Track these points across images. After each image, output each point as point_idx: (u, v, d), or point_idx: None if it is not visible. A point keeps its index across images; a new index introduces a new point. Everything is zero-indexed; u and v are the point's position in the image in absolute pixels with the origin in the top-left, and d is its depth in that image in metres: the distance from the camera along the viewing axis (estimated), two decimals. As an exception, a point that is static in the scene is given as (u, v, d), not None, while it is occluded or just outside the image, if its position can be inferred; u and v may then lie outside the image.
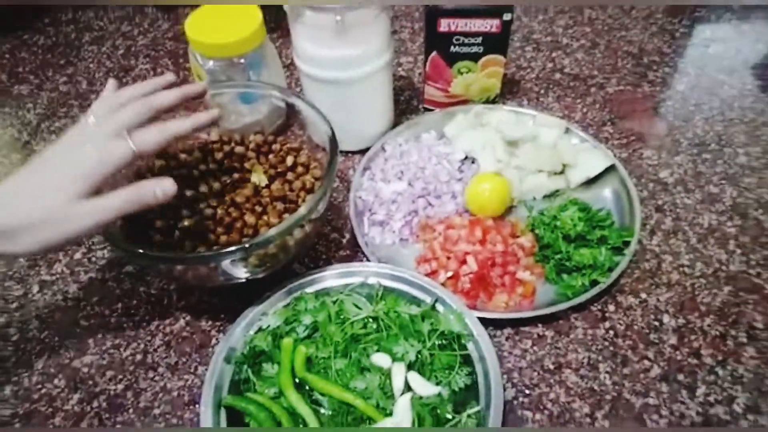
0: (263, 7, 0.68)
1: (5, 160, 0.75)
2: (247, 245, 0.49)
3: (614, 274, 0.58)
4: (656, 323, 0.57)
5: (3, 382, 0.55)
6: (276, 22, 0.70)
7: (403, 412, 0.49)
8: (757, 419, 0.51)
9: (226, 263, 0.52)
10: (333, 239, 0.65)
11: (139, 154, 0.47)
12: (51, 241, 0.46)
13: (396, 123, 0.75)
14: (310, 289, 0.58)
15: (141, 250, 0.49)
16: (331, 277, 0.59)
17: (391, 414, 0.49)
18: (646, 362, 0.55)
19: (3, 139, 0.78)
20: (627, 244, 0.61)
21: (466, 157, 0.71)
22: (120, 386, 0.54)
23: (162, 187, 0.48)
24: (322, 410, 0.50)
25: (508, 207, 0.66)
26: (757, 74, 0.82)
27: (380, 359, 0.52)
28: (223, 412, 0.50)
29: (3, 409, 0.53)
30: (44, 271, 0.63)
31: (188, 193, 0.59)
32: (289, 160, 0.62)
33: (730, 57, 0.85)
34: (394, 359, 0.52)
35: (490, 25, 0.69)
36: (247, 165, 0.62)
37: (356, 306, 0.56)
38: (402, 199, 0.66)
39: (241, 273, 0.55)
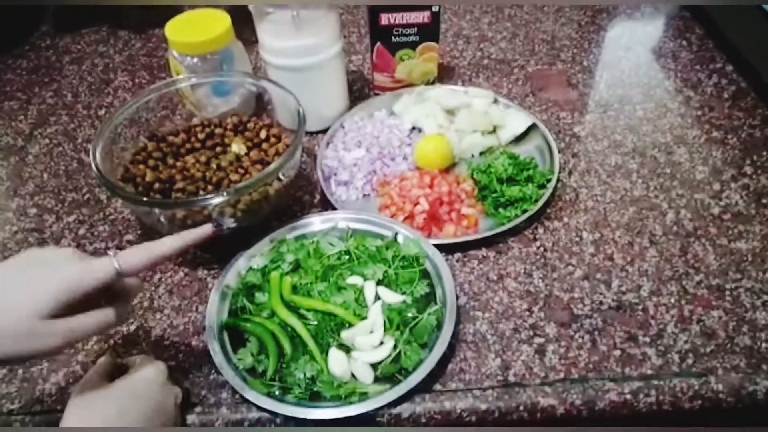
0: (232, 15, 0.79)
1: (4, 162, 0.84)
2: (234, 188, 0.60)
3: (540, 203, 0.71)
4: (577, 239, 0.70)
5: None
6: (242, 28, 0.82)
7: (375, 315, 0.59)
8: (659, 299, 0.63)
9: (216, 211, 0.62)
10: (306, 200, 0.76)
11: (121, 273, 0.46)
12: (12, 355, 0.43)
13: (351, 106, 0.87)
14: (290, 236, 0.69)
15: (146, 198, 0.59)
16: (307, 225, 0.69)
17: (365, 318, 0.59)
18: (570, 267, 0.67)
19: (-1, 146, 0.86)
20: (549, 181, 0.74)
21: (413, 128, 0.83)
22: (132, 327, 0.63)
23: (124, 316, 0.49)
24: (309, 322, 0.60)
25: (451, 164, 0.78)
26: (649, 50, 0.98)
27: (354, 280, 0.63)
28: (225, 335, 0.60)
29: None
30: (53, 246, 0.71)
31: (178, 164, 0.70)
32: (263, 133, 0.73)
33: (626, 38, 1.01)
34: (366, 279, 0.63)
35: (423, 16, 0.82)
36: (227, 141, 0.73)
37: (330, 244, 0.67)
38: (362, 162, 0.77)
39: (230, 222, 0.65)
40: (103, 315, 0.47)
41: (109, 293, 0.49)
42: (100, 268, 0.46)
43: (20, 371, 0.59)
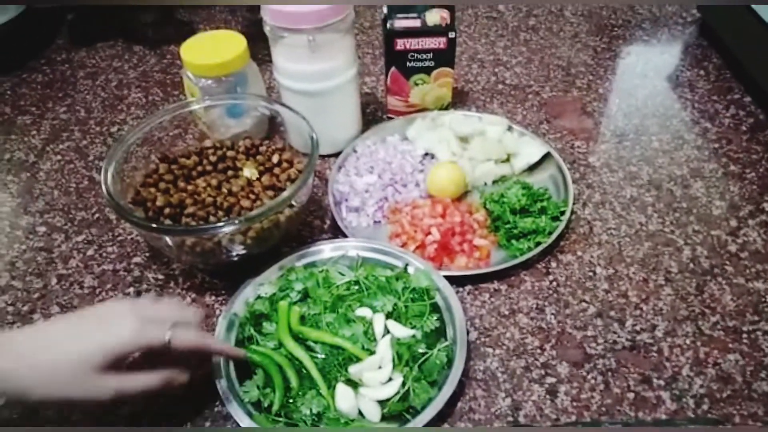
0: (247, 33, 0.79)
1: (15, 178, 0.83)
2: (245, 217, 0.59)
3: (554, 236, 0.70)
4: (591, 274, 0.69)
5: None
6: (257, 46, 0.82)
7: (384, 350, 0.58)
8: (674, 340, 0.62)
9: (226, 239, 0.62)
10: (316, 225, 0.76)
11: (169, 346, 0.50)
12: (63, 398, 0.46)
13: (364, 130, 0.86)
14: (299, 263, 0.68)
15: (155, 225, 0.59)
16: (317, 252, 0.69)
17: (374, 353, 0.58)
18: (584, 304, 0.66)
19: (12, 161, 0.86)
20: (563, 213, 0.73)
21: (426, 154, 0.82)
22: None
23: (181, 380, 0.53)
24: (316, 355, 0.59)
25: (463, 192, 0.78)
26: (665, 78, 0.97)
27: (363, 312, 0.62)
28: (231, 365, 0.59)
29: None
30: (60, 266, 0.71)
31: (189, 187, 0.69)
32: (275, 158, 0.73)
33: (642, 65, 1.00)
34: (375, 311, 0.62)
35: (438, 42, 0.82)
36: (238, 164, 0.73)
37: (340, 273, 0.66)
38: (373, 189, 0.76)
39: (239, 249, 0.64)
40: (149, 378, 0.50)
41: (162, 359, 0.52)
42: (153, 335, 0.49)
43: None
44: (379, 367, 0.57)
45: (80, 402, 0.47)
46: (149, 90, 0.99)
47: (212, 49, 0.77)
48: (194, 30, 1.12)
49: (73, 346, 0.47)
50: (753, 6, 0.86)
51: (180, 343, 0.50)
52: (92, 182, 0.83)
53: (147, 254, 0.72)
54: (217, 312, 0.66)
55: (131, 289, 0.68)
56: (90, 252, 0.73)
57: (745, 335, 0.62)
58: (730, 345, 0.61)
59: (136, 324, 0.49)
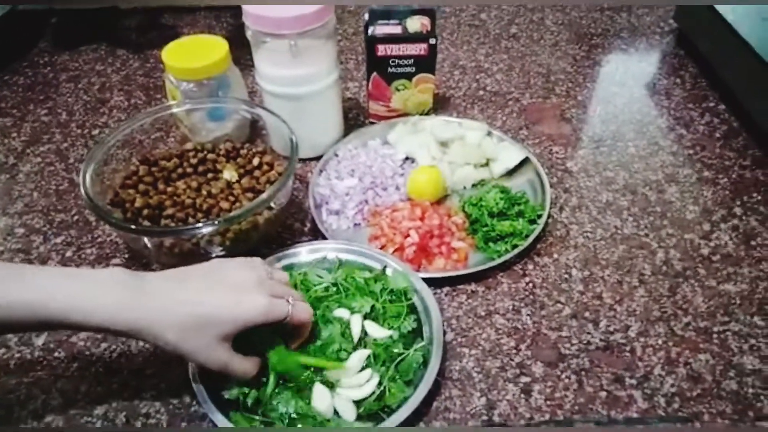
0: (230, 37, 0.80)
1: (-6, 180, 0.83)
2: (224, 218, 0.59)
3: (531, 239, 0.71)
4: (566, 276, 0.70)
5: (7, 357, 0.62)
6: (239, 51, 0.82)
7: (361, 354, 0.58)
8: (647, 341, 0.63)
9: (205, 240, 0.62)
10: (296, 228, 0.76)
11: (287, 320, 0.53)
12: (186, 352, 0.50)
13: (345, 134, 0.87)
14: (278, 265, 0.68)
15: (133, 226, 0.59)
16: (296, 255, 0.69)
17: (351, 353, 0.59)
18: (559, 305, 0.67)
19: (-10, 163, 0.86)
20: (540, 216, 0.74)
21: (406, 158, 0.83)
22: (114, 354, 0.62)
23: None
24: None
25: (443, 196, 0.78)
26: (643, 86, 0.99)
27: (341, 313, 0.62)
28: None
29: (9, 380, 0.60)
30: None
31: (169, 189, 0.69)
32: (256, 161, 0.73)
33: (620, 73, 1.02)
34: (353, 312, 0.62)
35: (419, 48, 0.83)
36: (219, 167, 0.73)
37: (318, 276, 0.67)
38: (354, 192, 0.77)
39: (218, 250, 0.64)
40: (250, 366, 0.54)
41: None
42: (278, 312, 0.52)
43: (-2, 397, 0.59)
44: (357, 370, 0.57)
45: (193, 359, 0.51)
46: (132, 93, 0.99)
47: (194, 53, 0.78)
48: (178, 34, 1.13)
49: (208, 310, 0.50)
50: (727, 18, 0.88)
51: (295, 319, 0.53)
52: (72, 184, 0.82)
53: (126, 256, 0.72)
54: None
55: (109, 291, 0.68)
56: (68, 254, 0.73)
57: (715, 336, 0.63)
58: (701, 345, 0.62)
59: (266, 301, 0.51)
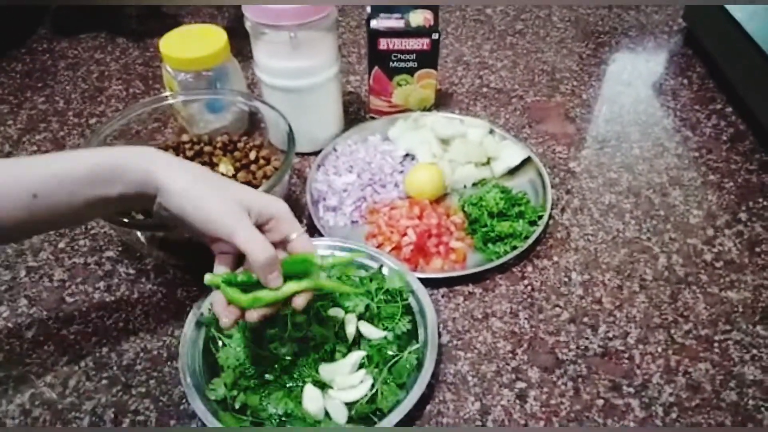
0: (229, 29, 0.79)
1: (-11, 168, 0.82)
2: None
3: (530, 240, 0.69)
4: (566, 279, 0.68)
5: (-4, 349, 0.61)
6: (238, 42, 0.81)
7: (352, 361, 0.57)
8: (646, 348, 0.62)
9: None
10: (292, 224, 0.75)
11: (296, 235, 0.52)
12: (198, 200, 0.48)
13: (345, 129, 0.86)
14: (273, 261, 0.67)
15: (126, 219, 0.58)
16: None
17: (345, 355, 0.58)
18: (558, 309, 0.65)
19: (-15, 151, 0.85)
20: (541, 217, 0.72)
21: (406, 155, 0.82)
22: (105, 349, 0.61)
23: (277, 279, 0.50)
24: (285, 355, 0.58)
25: (442, 195, 0.77)
26: (649, 86, 0.97)
27: (335, 312, 0.61)
28: (198, 364, 0.58)
29: (-3, 372, 0.59)
30: (30, 259, 0.70)
31: (164, 182, 0.68)
32: (252, 155, 0.72)
33: (626, 72, 1.00)
34: (347, 311, 0.61)
35: (422, 43, 0.81)
36: (215, 160, 0.72)
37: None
38: (352, 188, 0.76)
39: (213, 245, 0.63)
40: (268, 246, 0.49)
41: None
42: (295, 225, 0.52)
43: (-14, 390, 0.58)
44: (351, 371, 0.56)
45: (207, 215, 0.48)
46: (130, 83, 0.98)
47: (192, 43, 0.76)
48: (179, 23, 1.11)
49: (242, 190, 0.51)
50: (737, 18, 0.86)
51: (301, 246, 0.51)
52: (67, 174, 0.81)
53: (119, 249, 0.71)
54: (188, 308, 0.65)
55: (102, 283, 0.67)
56: (61, 245, 0.72)
57: (716, 344, 0.62)
58: (701, 354, 0.61)
59: (293, 217, 0.52)
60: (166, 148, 0.73)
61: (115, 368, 0.60)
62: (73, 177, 0.47)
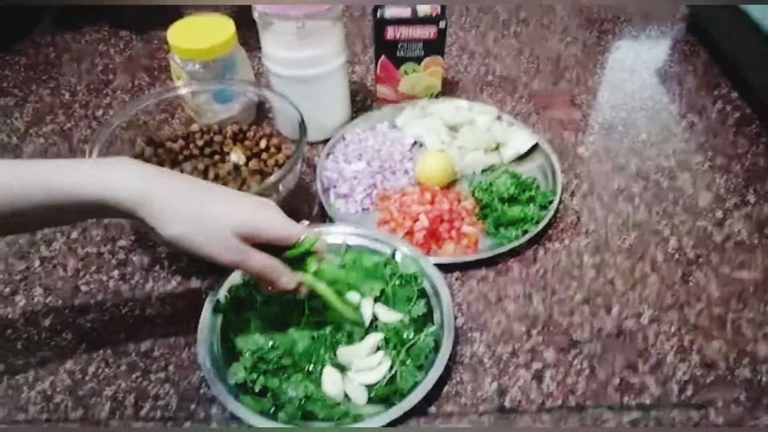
0: (236, 18, 0.79)
1: (-3, 161, 0.82)
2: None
3: (541, 225, 0.70)
4: (578, 262, 0.69)
5: (14, 338, 0.61)
6: (246, 32, 0.81)
7: (371, 343, 0.57)
8: (659, 327, 0.62)
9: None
10: (304, 212, 0.75)
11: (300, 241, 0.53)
12: (192, 245, 0.49)
13: (353, 117, 0.86)
14: (287, 249, 0.67)
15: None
16: (305, 238, 0.68)
17: (363, 337, 0.58)
18: (571, 291, 0.66)
19: (-7, 143, 0.85)
20: (551, 202, 0.73)
21: (415, 142, 0.82)
22: (122, 336, 0.61)
23: (287, 284, 0.53)
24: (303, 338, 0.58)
25: (452, 181, 0.77)
26: (654, 73, 0.98)
27: (351, 296, 0.61)
28: (216, 348, 0.58)
29: (17, 360, 0.59)
30: (44, 249, 0.70)
31: (176, 171, 0.68)
32: (263, 143, 0.72)
33: (631, 60, 1.01)
34: (363, 295, 0.62)
35: (429, 31, 0.81)
36: (226, 149, 0.72)
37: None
38: (362, 176, 0.76)
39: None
40: (269, 261, 0.51)
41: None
42: (294, 231, 0.53)
43: (5, 378, 0.58)
44: (369, 352, 0.57)
45: (212, 260, 0.50)
46: (135, 74, 0.98)
47: (200, 34, 0.76)
48: (182, 14, 1.10)
49: (229, 214, 0.49)
50: (741, 4, 0.86)
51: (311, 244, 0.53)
52: (77, 166, 0.81)
53: (132, 237, 0.71)
54: (203, 296, 0.65)
55: (116, 272, 0.67)
56: (74, 235, 0.72)
57: (728, 323, 0.62)
58: (714, 332, 0.62)
59: (285, 218, 0.53)
60: (176, 139, 0.73)
61: (133, 355, 0.60)
62: (59, 207, 0.47)
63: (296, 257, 0.54)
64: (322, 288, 0.55)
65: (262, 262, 0.51)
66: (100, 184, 0.46)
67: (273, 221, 0.52)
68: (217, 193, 0.52)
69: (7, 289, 0.66)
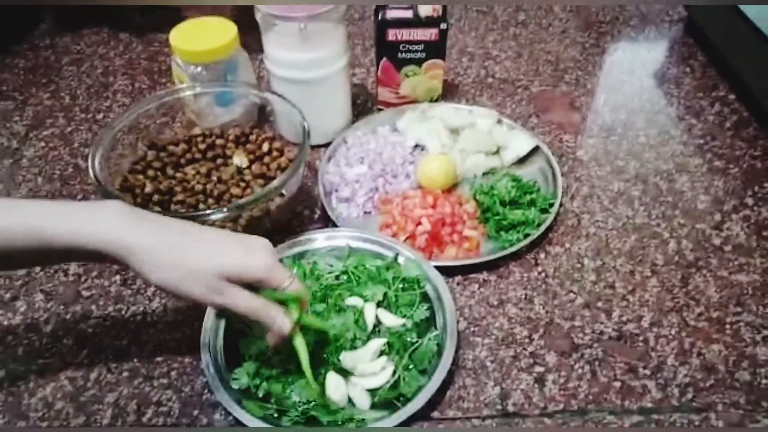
0: (237, 21, 0.79)
1: (-3, 165, 0.82)
2: (235, 204, 0.59)
3: (542, 228, 0.70)
4: (578, 265, 0.69)
5: (15, 344, 0.61)
6: (247, 34, 0.81)
7: (374, 348, 0.57)
8: (660, 331, 0.63)
9: (216, 226, 0.61)
10: (306, 215, 0.75)
11: (283, 287, 0.51)
12: (187, 295, 0.48)
13: (354, 121, 0.86)
14: (289, 252, 0.67)
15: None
16: (307, 242, 0.68)
17: (366, 342, 0.58)
18: (572, 295, 0.66)
19: (-7, 147, 0.84)
20: (552, 205, 0.73)
21: (416, 146, 0.82)
22: (124, 341, 0.61)
23: (283, 326, 0.51)
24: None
25: (453, 184, 0.78)
26: (652, 75, 0.98)
27: (353, 301, 0.62)
28: (219, 354, 0.58)
29: (18, 367, 0.59)
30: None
31: (178, 175, 0.68)
32: (265, 146, 0.72)
33: (629, 62, 1.01)
34: (365, 300, 0.62)
35: (430, 33, 0.82)
36: (228, 152, 0.72)
37: (329, 265, 0.66)
38: (364, 179, 0.76)
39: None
40: (256, 303, 0.50)
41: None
42: (280, 277, 0.51)
43: (6, 384, 0.58)
44: (372, 358, 0.57)
45: (193, 300, 0.49)
46: (136, 77, 0.97)
47: (202, 36, 0.76)
48: (182, 17, 1.10)
49: (213, 256, 0.49)
50: (739, 5, 0.87)
51: (294, 288, 0.52)
52: (77, 169, 0.81)
53: (134, 242, 0.71)
54: (206, 300, 0.65)
55: (117, 277, 0.67)
56: (75, 239, 0.72)
57: (728, 326, 0.63)
58: (714, 335, 0.62)
59: (272, 260, 0.51)
60: (178, 143, 0.73)
61: (135, 360, 0.60)
62: (46, 253, 0.48)
63: (278, 302, 0.52)
64: (299, 341, 0.53)
65: (246, 301, 0.50)
66: (87, 234, 0.47)
67: (257, 262, 0.50)
68: (206, 237, 0.51)
69: (8, 295, 0.66)
